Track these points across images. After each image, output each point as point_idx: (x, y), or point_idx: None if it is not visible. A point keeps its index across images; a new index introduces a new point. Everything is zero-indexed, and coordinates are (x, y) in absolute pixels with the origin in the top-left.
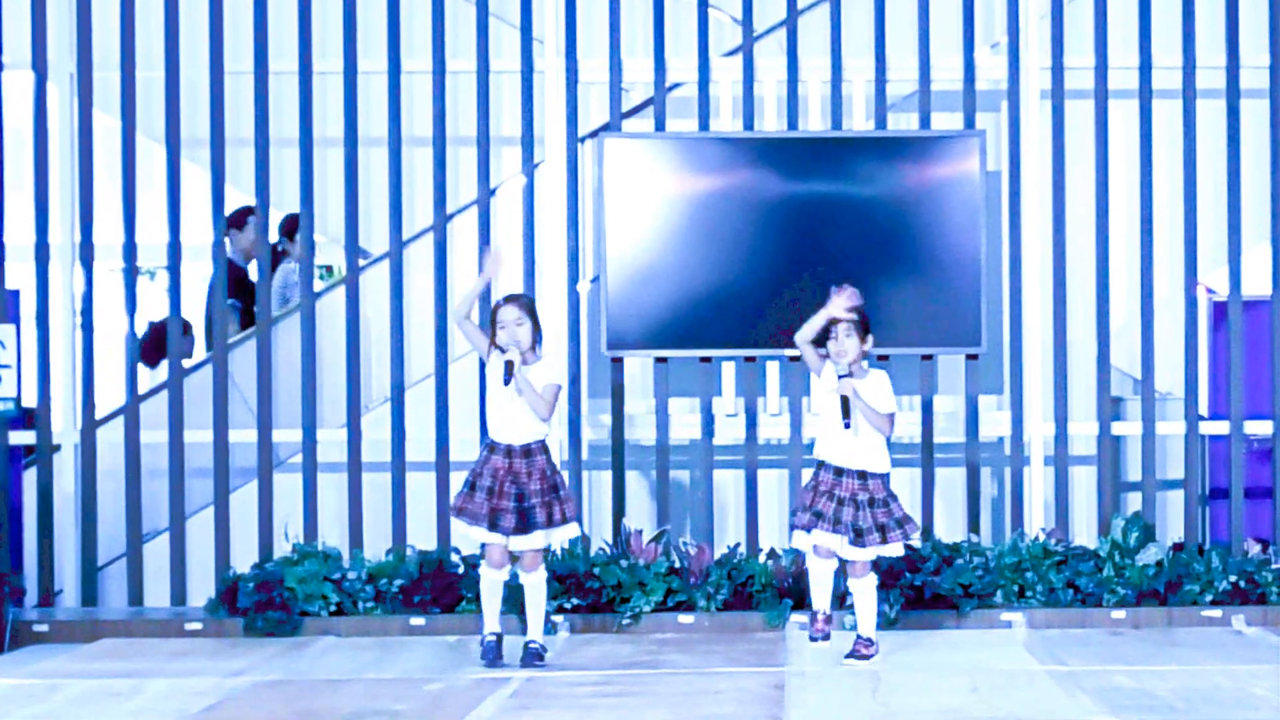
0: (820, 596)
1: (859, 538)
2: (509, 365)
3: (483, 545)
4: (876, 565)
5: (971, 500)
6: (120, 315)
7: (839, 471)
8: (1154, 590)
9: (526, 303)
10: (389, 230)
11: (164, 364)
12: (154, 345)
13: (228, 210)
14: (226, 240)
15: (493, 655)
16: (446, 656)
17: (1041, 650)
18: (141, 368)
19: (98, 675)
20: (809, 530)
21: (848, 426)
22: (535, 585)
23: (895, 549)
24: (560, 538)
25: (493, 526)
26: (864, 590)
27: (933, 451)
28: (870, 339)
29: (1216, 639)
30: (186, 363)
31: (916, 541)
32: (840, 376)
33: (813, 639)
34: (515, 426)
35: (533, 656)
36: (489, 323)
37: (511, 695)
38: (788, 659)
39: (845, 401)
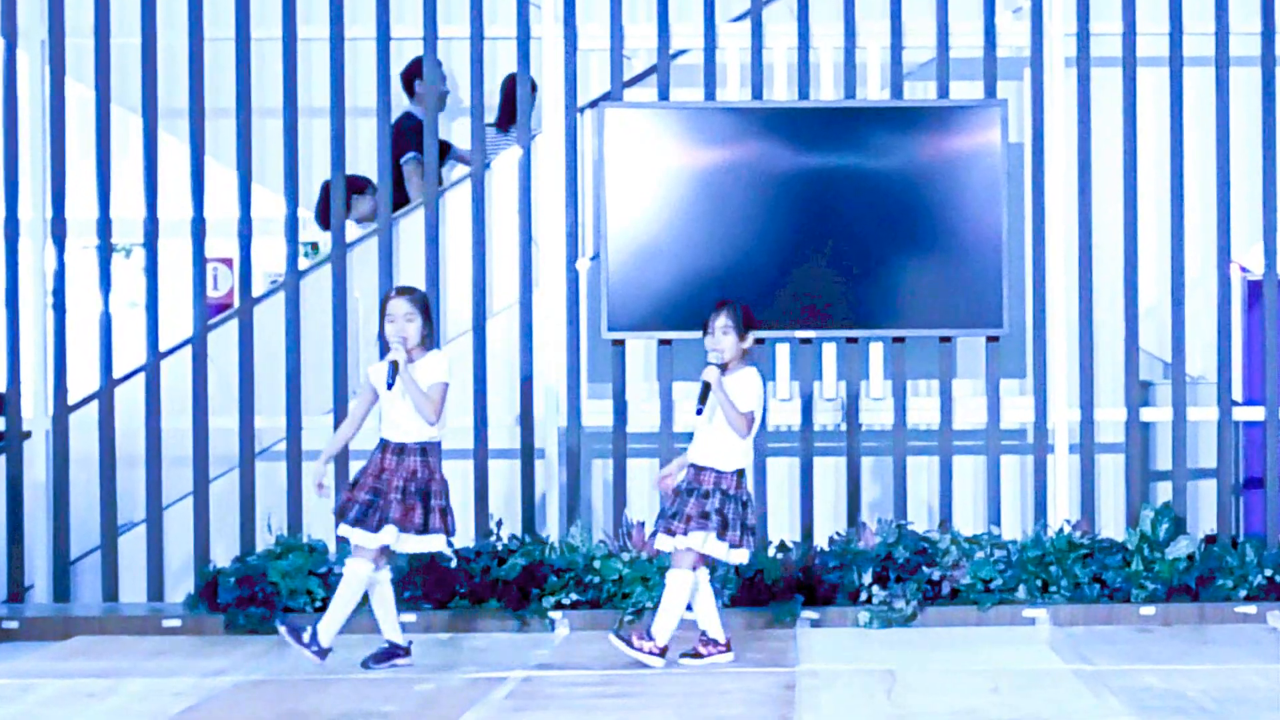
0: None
1: (670, 524)
2: (393, 366)
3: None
4: (712, 566)
5: (992, 490)
6: (94, 295)
7: (694, 467)
8: (1185, 585)
9: (419, 297)
10: (377, 206)
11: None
12: (327, 205)
13: (207, 181)
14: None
15: (373, 661)
16: (438, 655)
17: (1066, 648)
18: None
19: (71, 675)
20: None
21: (699, 413)
22: (349, 578)
23: (692, 540)
24: (415, 546)
25: (340, 519)
26: (669, 582)
27: (951, 439)
28: (751, 336)
29: (1251, 636)
30: (354, 231)
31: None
32: (709, 364)
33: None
34: (397, 426)
35: (372, 660)
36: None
37: (506, 696)
38: (799, 658)
39: (705, 388)
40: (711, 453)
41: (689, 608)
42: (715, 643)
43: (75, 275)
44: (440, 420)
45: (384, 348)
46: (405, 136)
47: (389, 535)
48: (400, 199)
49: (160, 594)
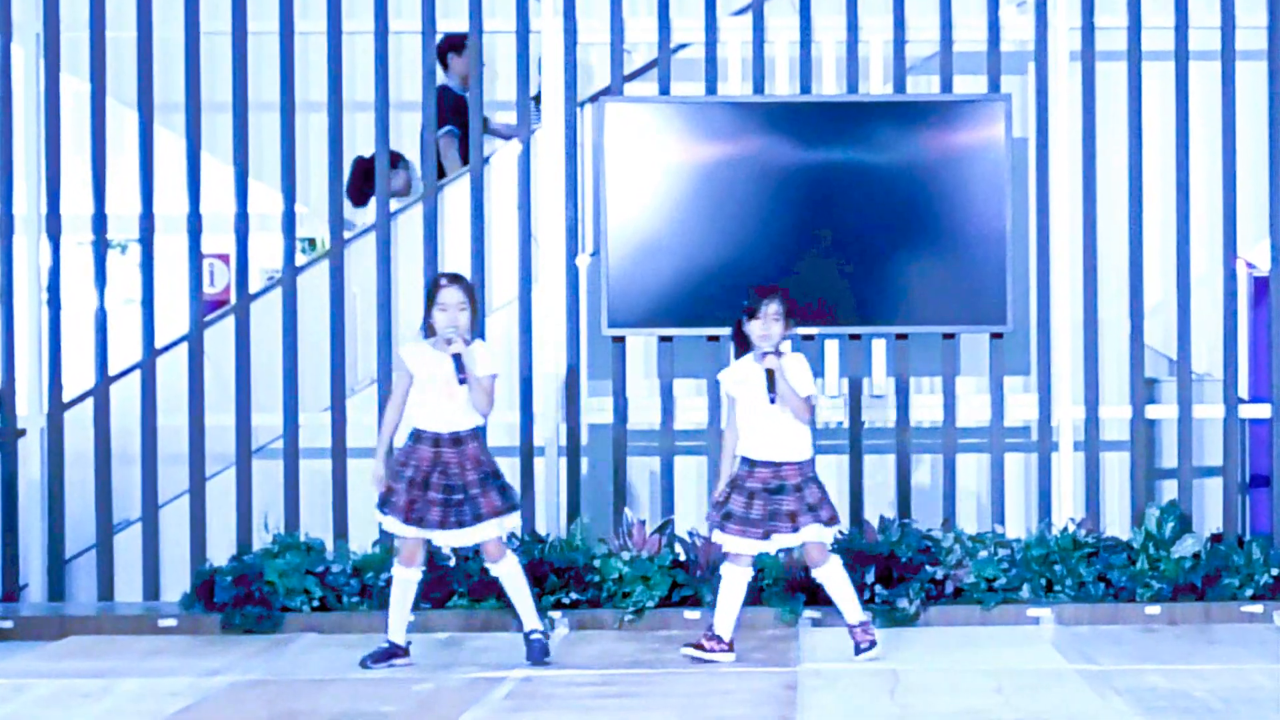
0: (723, 611)
1: (777, 524)
2: (457, 360)
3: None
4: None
5: (996, 489)
6: (89, 291)
7: (752, 464)
8: (1190, 584)
9: (468, 285)
10: (376, 200)
11: (373, 202)
12: (359, 180)
13: (203, 176)
14: (440, 69)
15: (371, 660)
16: (436, 655)
17: (1071, 648)
18: None
19: (65, 675)
20: (722, 530)
21: (774, 401)
22: (508, 574)
23: (809, 534)
24: (511, 525)
25: (409, 520)
26: (825, 576)
27: (955, 436)
28: (793, 324)
29: (1257, 636)
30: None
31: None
32: (764, 354)
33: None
34: (451, 417)
35: (538, 651)
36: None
37: (506, 696)
38: (800, 657)
39: (770, 376)
40: (785, 446)
41: (715, 599)
42: (719, 640)
43: (70, 271)
44: (490, 411)
45: (425, 334)
46: (441, 110)
47: (490, 529)
48: (437, 173)
49: (156, 593)
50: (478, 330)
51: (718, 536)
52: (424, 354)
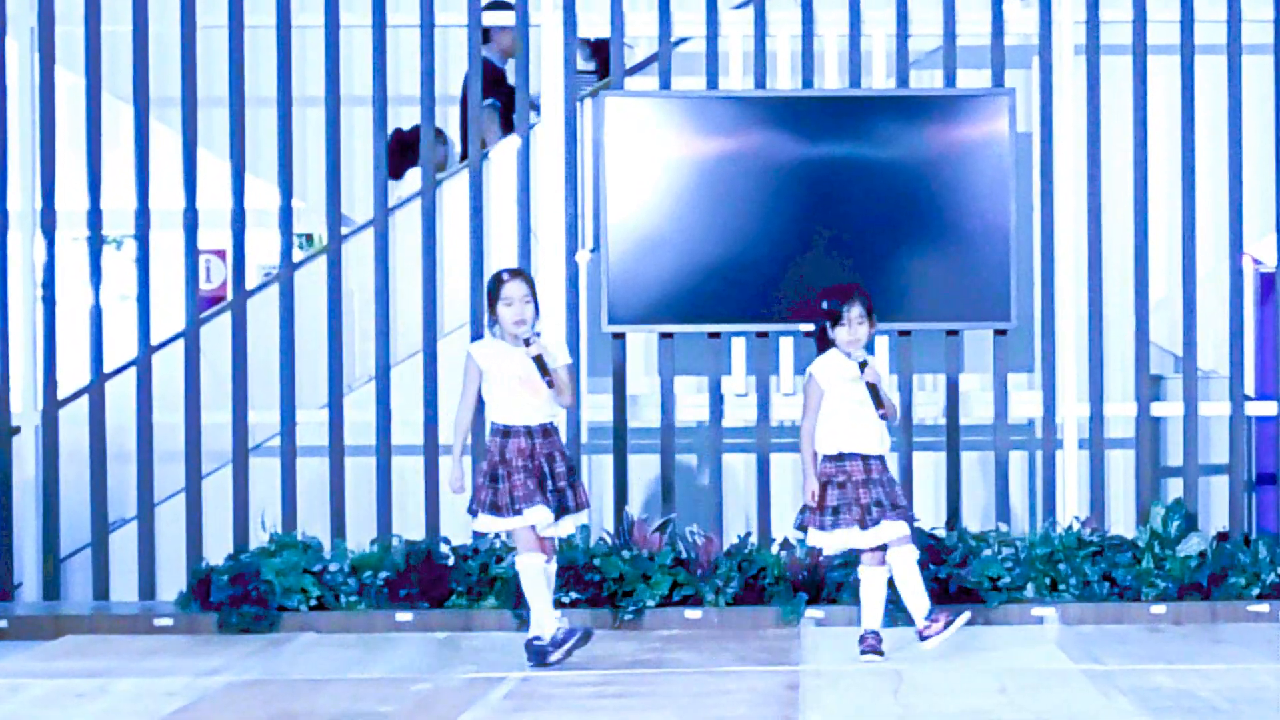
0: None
1: (879, 515)
2: (540, 361)
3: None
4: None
5: (1000, 487)
6: (85, 287)
7: (865, 459)
8: (1196, 583)
9: (529, 278)
10: (373, 196)
11: (412, 173)
12: (399, 152)
13: (200, 171)
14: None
15: (553, 649)
16: (435, 655)
17: (1075, 648)
18: None
19: (60, 675)
20: (827, 530)
21: (884, 417)
22: (553, 574)
23: (902, 529)
24: (579, 523)
25: (549, 505)
26: (877, 580)
27: (958, 434)
28: (875, 320)
29: (1264, 635)
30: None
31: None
32: (861, 364)
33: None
34: (536, 410)
35: (538, 654)
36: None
37: (505, 696)
38: (802, 657)
39: (874, 389)
40: (874, 440)
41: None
42: (934, 615)
43: (65, 268)
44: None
45: (492, 329)
46: (483, 84)
47: (567, 525)
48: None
49: (152, 592)
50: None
51: (821, 538)
52: (498, 351)
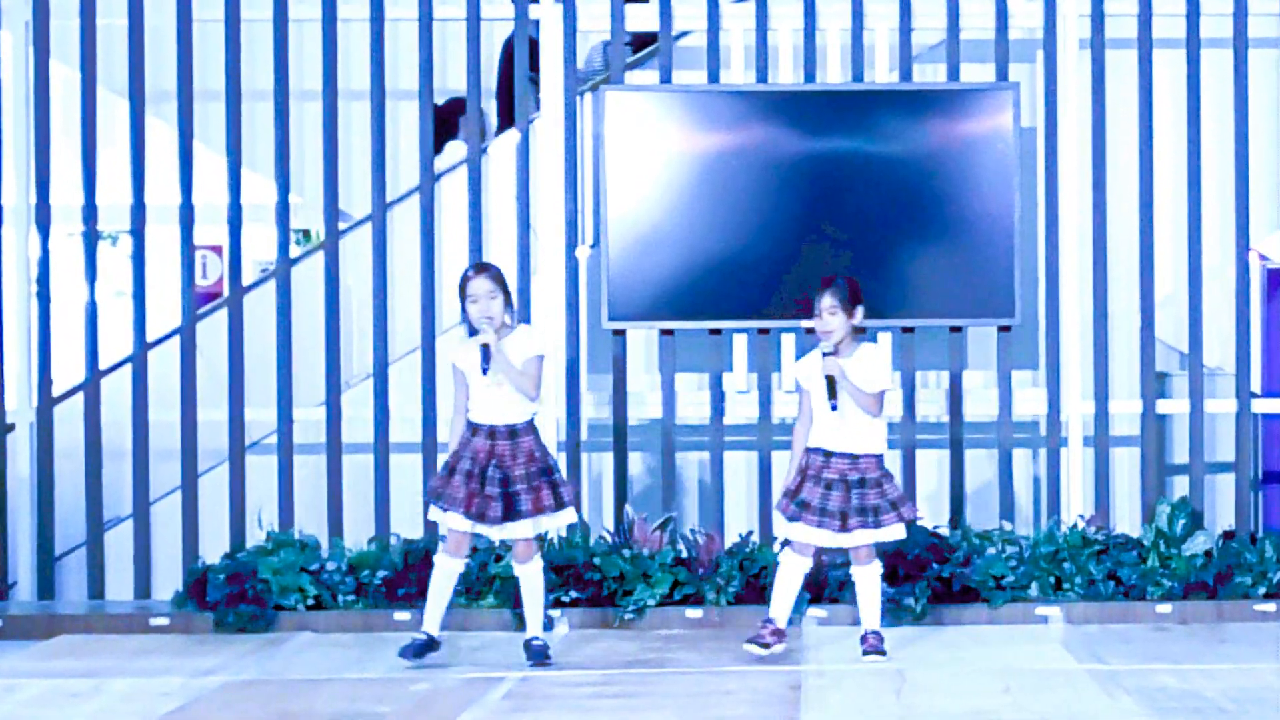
0: (780, 601)
1: (845, 523)
2: (485, 350)
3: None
4: (882, 552)
5: (1004, 485)
6: (80, 283)
7: (828, 454)
8: (1202, 582)
9: (496, 273)
10: (371, 191)
11: (451, 146)
12: (441, 124)
13: (196, 166)
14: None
15: (412, 655)
16: (434, 654)
17: (1080, 647)
18: None
19: (55, 674)
20: (792, 521)
21: (834, 409)
22: (530, 576)
23: (892, 532)
24: (554, 524)
25: (468, 513)
26: (865, 578)
27: (962, 432)
28: (860, 311)
29: (1270, 635)
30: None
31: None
32: (825, 355)
33: (756, 643)
34: (499, 408)
35: (539, 654)
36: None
37: (504, 696)
38: (805, 657)
39: (831, 382)
40: (863, 439)
41: (772, 591)
42: (780, 632)
43: (60, 263)
44: (539, 395)
45: (469, 330)
46: (530, 57)
47: (527, 528)
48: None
49: (147, 591)
50: (516, 314)
51: (788, 528)
52: (468, 349)
